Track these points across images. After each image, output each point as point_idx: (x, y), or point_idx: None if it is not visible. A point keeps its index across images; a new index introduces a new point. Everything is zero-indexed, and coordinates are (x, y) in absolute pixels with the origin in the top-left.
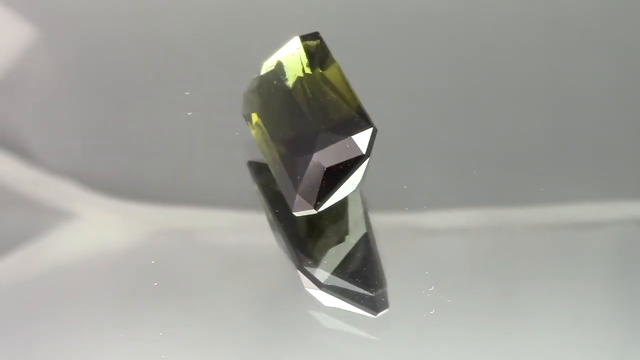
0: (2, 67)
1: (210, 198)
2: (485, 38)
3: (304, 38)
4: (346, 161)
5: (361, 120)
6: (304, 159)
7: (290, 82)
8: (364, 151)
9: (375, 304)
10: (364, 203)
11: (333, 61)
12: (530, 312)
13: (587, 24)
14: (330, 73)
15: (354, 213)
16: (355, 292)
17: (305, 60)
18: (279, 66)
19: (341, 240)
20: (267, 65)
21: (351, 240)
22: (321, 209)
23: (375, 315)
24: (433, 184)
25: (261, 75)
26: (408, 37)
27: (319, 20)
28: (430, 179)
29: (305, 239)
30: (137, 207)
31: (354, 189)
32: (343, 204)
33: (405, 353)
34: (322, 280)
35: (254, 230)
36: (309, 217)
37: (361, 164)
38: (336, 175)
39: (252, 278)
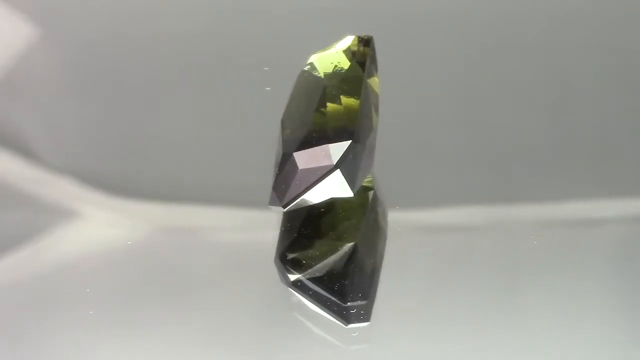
0: (3, 66)
1: (212, 196)
2: (485, 39)
3: (356, 39)
4: (317, 167)
5: (345, 132)
6: (286, 155)
7: (322, 77)
8: (334, 162)
9: (348, 315)
10: (370, 213)
11: (366, 67)
12: (531, 310)
13: (587, 24)
14: (357, 77)
15: (352, 220)
16: (327, 298)
17: (343, 59)
18: (321, 59)
19: (327, 244)
20: (314, 58)
21: (337, 247)
22: (289, 208)
23: (346, 326)
24: (435, 183)
25: (307, 64)
26: (409, 39)
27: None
28: (432, 177)
29: (294, 235)
30: (138, 205)
31: (330, 196)
32: (346, 209)
33: (404, 349)
34: (292, 279)
35: (255, 229)
36: (307, 215)
37: (331, 174)
38: (308, 178)
39: (253, 276)
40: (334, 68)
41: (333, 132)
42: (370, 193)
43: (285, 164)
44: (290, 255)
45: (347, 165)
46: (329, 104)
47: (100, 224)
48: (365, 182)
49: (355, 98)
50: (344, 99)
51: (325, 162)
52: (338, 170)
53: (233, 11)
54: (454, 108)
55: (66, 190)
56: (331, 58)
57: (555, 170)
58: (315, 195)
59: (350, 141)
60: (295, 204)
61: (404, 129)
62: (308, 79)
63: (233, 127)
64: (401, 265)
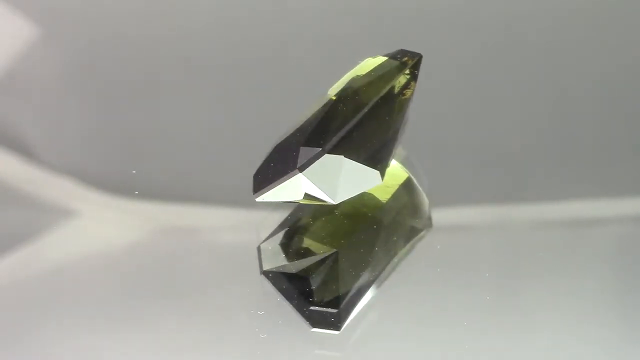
0: (2, 66)
1: (212, 196)
2: (486, 38)
3: (404, 53)
4: (285, 166)
5: (321, 139)
6: (272, 147)
7: (352, 79)
8: (297, 164)
9: (313, 318)
10: (372, 227)
11: (396, 82)
12: (531, 310)
13: (587, 24)
14: (377, 89)
15: (345, 229)
16: (295, 296)
17: (382, 69)
18: (366, 64)
19: (311, 245)
20: (365, 60)
21: (319, 250)
22: (258, 199)
23: (310, 328)
24: (434, 183)
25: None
26: (408, 38)
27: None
28: (431, 178)
29: (287, 228)
30: (138, 205)
31: (301, 197)
32: (349, 217)
33: (405, 349)
34: (264, 268)
35: (255, 229)
36: (309, 212)
37: (293, 176)
38: (276, 175)
39: (254, 277)
40: (366, 74)
41: (313, 135)
42: (380, 207)
43: (268, 156)
44: (271, 245)
45: (319, 172)
46: (333, 107)
47: (100, 224)
48: (381, 194)
49: (360, 108)
50: (350, 106)
51: (290, 163)
52: (301, 174)
53: (234, 11)
54: (454, 109)
55: (66, 190)
56: (372, 65)
57: (555, 170)
58: (283, 194)
59: (320, 149)
60: (265, 197)
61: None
62: (345, 78)
63: (234, 127)
64: (401, 265)
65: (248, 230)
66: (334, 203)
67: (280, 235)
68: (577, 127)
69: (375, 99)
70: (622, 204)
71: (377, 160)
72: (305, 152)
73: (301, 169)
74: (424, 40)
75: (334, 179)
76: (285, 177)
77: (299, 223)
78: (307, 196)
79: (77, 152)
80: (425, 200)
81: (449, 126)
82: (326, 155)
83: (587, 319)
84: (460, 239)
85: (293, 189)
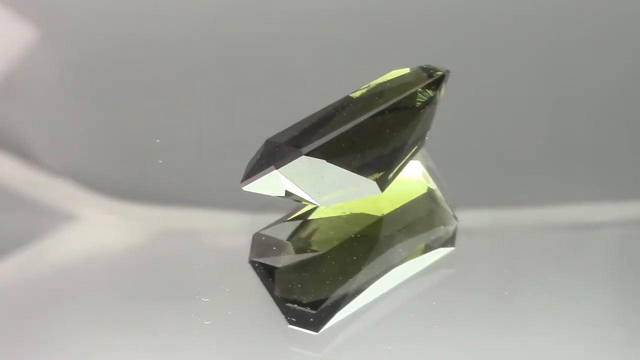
0: (2, 68)
1: (212, 199)
2: (484, 40)
3: (431, 68)
4: (268, 161)
5: (307, 142)
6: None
7: (368, 86)
8: (275, 161)
9: (290, 315)
10: (368, 236)
11: (410, 94)
12: (530, 312)
13: (587, 25)
14: (384, 99)
15: (338, 234)
16: (275, 290)
17: (400, 80)
18: (389, 74)
19: (301, 243)
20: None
21: (306, 249)
22: (244, 188)
23: (287, 325)
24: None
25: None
26: (407, 38)
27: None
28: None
29: (285, 222)
30: (138, 208)
31: (280, 193)
32: (350, 222)
33: (403, 351)
34: (251, 257)
35: (255, 231)
36: (312, 210)
37: (270, 172)
38: (258, 168)
39: (254, 280)
40: (381, 83)
41: (300, 135)
42: (381, 218)
43: (260, 147)
44: (264, 236)
45: (298, 172)
46: (332, 111)
47: (100, 227)
48: (388, 205)
49: (359, 115)
50: (350, 112)
51: (271, 159)
52: (277, 171)
53: (234, 12)
54: (453, 110)
55: (66, 193)
56: (394, 75)
57: (555, 173)
58: (266, 188)
59: (298, 150)
60: (250, 188)
61: None
62: (370, 84)
63: (234, 129)
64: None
65: (248, 233)
66: (319, 205)
67: (276, 228)
68: (577, 130)
69: (377, 109)
70: (623, 207)
71: (374, 170)
72: (285, 150)
73: (277, 166)
74: (424, 42)
75: (315, 181)
76: (264, 171)
77: (299, 220)
78: (289, 193)
79: (77, 155)
80: (449, 218)
81: (450, 129)
82: (303, 157)
83: (587, 321)
84: (460, 242)
85: (273, 184)
